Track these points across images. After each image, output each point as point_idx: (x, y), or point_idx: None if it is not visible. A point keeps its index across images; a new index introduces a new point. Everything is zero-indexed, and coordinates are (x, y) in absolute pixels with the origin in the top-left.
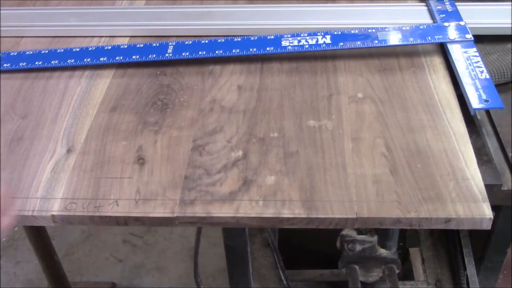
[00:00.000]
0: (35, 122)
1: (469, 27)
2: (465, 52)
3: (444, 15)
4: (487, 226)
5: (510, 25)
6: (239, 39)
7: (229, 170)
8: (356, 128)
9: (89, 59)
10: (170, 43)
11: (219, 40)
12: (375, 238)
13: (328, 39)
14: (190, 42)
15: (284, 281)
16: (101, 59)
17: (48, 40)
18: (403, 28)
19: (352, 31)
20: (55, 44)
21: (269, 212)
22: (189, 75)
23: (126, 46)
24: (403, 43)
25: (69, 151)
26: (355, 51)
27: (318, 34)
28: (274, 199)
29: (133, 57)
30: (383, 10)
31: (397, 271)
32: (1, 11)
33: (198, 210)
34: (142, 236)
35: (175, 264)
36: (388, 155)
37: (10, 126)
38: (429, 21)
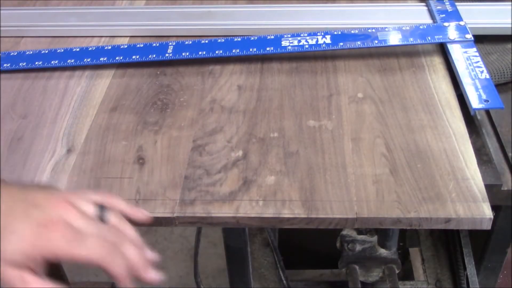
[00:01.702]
0: (35, 122)
1: (469, 27)
2: (465, 52)
3: (444, 15)
4: (487, 226)
5: (510, 25)
6: (239, 39)
7: (229, 170)
8: (356, 128)
9: (89, 59)
10: (170, 43)
11: (219, 40)
12: (375, 238)
13: (328, 39)
14: (190, 42)
15: (284, 281)
16: (101, 59)
17: (48, 40)
18: (403, 28)
19: (352, 31)
20: (55, 44)
21: (269, 212)
22: (189, 75)
23: (126, 46)
24: (403, 43)
25: (69, 151)
26: (355, 51)
27: (318, 34)
28: (274, 199)
29: (133, 57)
30: (383, 10)
31: (397, 271)
32: (1, 11)
33: (198, 210)
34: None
35: (175, 264)
36: (388, 155)
37: (10, 126)
38: (429, 21)
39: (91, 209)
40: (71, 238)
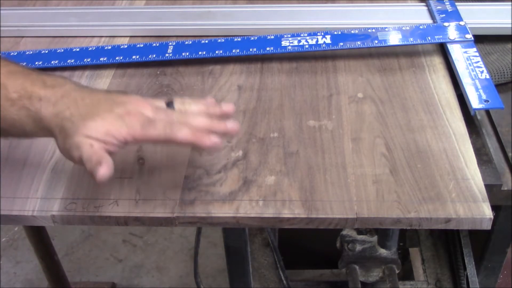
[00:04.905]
0: None
1: (469, 27)
2: (465, 52)
3: (444, 15)
4: (487, 226)
5: (510, 25)
6: (239, 39)
7: (229, 170)
8: (356, 128)
9: (89, 59)
10: (170, 43)
11: (219, 40)
12: (375, 238)
13: (328, 39)
14: (190, 42)
15: (284, 281)
16: (101, 59)
17: (48, 40)
18: (403, 28)
19: (352, 31)
20: (55, 44)
21: (269, 212)
22: (189, 75)
23: (126, 46)
24: (403, 43)
25: None
26: (355, 51)
27: (318, 34)
28: (274, 199)
29: (133, 57)
30: (383, 10)
31: (397, 271)
32: (1, 11)
33: (198, 210)
34: (142, 236)
35: (175, 264)
36: (388, 155)
37: None
38: (429, 21)
39: (163, 104)
40: (144, 123)
